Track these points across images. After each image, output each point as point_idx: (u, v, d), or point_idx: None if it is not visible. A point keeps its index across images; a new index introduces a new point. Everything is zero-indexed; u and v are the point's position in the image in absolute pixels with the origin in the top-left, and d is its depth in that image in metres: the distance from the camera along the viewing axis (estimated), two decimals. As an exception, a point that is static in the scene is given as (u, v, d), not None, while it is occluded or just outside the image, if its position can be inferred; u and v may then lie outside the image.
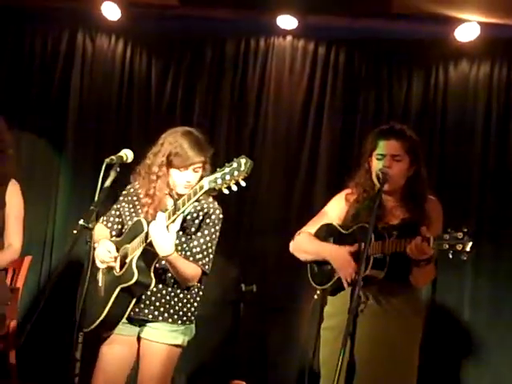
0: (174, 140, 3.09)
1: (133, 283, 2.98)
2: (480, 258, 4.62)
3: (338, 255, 3.08)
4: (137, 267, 2.98)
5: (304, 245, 3.27)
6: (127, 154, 3.05)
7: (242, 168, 2.68)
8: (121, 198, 3.32)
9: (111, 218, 3.32)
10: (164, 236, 2.91)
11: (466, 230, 2.69)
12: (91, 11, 5.08)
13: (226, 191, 2.74)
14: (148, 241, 2.95)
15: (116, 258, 3.10)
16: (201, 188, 2.79)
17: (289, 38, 5.17)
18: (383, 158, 3.13)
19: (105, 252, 3.10)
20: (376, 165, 3.15)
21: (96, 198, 2.85)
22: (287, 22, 4.96)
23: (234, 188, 2.72)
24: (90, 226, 2.74)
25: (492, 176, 4.82)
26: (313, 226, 3.32)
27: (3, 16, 5.25)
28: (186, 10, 5.06)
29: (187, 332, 3.22)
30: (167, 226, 2.91)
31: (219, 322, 4.82)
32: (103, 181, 2.87)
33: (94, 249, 3.10)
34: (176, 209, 2.90)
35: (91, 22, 5.23)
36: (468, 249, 2.66)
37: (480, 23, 4.66)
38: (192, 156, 3.05)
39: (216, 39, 5.25)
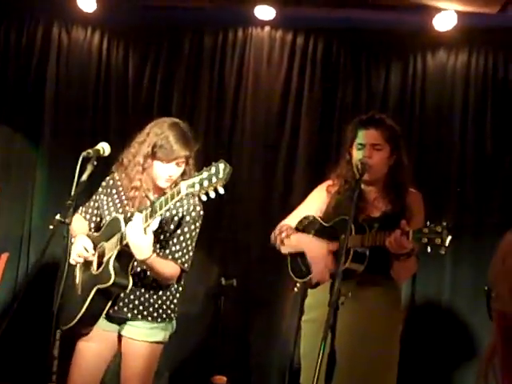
0: (160, 131, 3.03)
1: (110, 285, 2.94)
2: (460, 248, 4.63)
3: (315, 248, 3.09)
4: (114, 268, 2.93)
5: (284, 236, 3.23)
6: (104, 148, 3.02)
7: (221, 175, 2.60)
8: (100, 190, 3.27)
9: (90, 210, 3.27)
10: (141, 239, 2.85)
11: (445, 223, 2.68)
12: (66, 3, 5.01)
13: (203, 197, 2.68)
14: (124, 242, 2.90)
15: (93, 255, 3.06)
16: (178, 193, 2.72)
17: (267, 28, 5.14)
18: (363, 148, 3.13)
19: (81, 248, 3.06)
20: (356, 155, 3.15)
21: (72, 193, 2.81)
22: (265, 12, 4.93)
23: (212, 195, 2.65)
24: (67, 220, 2.71)
25: (471, 164, 4.83)
26: (294, 218, 3.31)
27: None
28: (163, 1, 5.02)
29: (168, 327, 3.19)
30: (144, 229, 2.85)
31: (200, 316, 4.80)
32: (80, 175, 2.84)
33: (72, 243, 3.07)
34: (153, 211, 2.84)
35: (67, 13, 5.16)
36: (447, 243, 2.66)
37: (457, 12, 4.66)
38: (177, 150, 2.99)
39: (194, 30, 5.21)
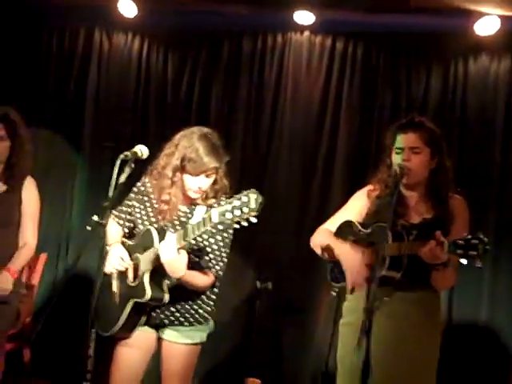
0: (188, 144, 3.02)
1: (146, 300, 2.97)
2: (500, 255, 4.54)
3: (351, 258, 3.03)
4: (149, 284, 2.96)
5: (321, 241, 3.23)
6: (142, 150, 3.03)
7: (253, 205, 2.55)
8: (132, 195, 3.27)
9: (122, 215, 3.27)
10: (174, 260, 2.87)
11: (481, 236, 2.63)
12: (108, 8, 5.07)
13: (236, 226, 2.63)
14: (159, 261, 2.90)
15: (130, 266, 3.07)
16: (210, 219, 2.68)
17: (306, 33, 5.13)
18: (402, 152, 3.09)
19: (118, 259, 3.07)
20: (395, 159, 3.11)
21: (110, 194, 2.83)
22: (304, 17, 4.92)
23: (244, 224, 2.60)
24: (104, 222, 2.73)
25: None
26: (333, 223, 3.29)
27: (21, 14, 5.28)
28: (203, 6, 5.03)
29: (205, 329, 3.22)
30: (178, 250, 2.86)
31: (234, 319, 4.80)
32: (118, 177, 2.86)
33: (107, 250, 3.09)
34: (185, 234, 2.84)
35: (108, 19, 5.23)
36: (483, 256, 2.61)
37: (500, 16, 4.58)
38: (206, 163, 2.99)
39: (233, 35, 5.23)
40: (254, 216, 2.56)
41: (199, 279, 3.06)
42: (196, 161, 2.98)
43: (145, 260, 3.01)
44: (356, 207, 3.28)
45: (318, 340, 4.68)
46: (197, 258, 3.08)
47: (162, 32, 5.31)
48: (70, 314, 4.41)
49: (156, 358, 3.26)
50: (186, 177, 3.04)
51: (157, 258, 2.92)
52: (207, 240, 3.09)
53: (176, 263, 2.87)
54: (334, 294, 3.26)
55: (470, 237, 2.64)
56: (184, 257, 2.88)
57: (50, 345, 4.51)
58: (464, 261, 2.66)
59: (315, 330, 4.74)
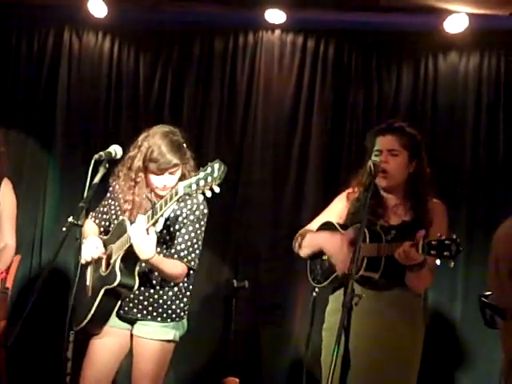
0: (148, 144, 3.09)
1: (116, 285, 2.99)
2: (472, 251, 4.60)
3: (333, 241, 3.10)
4: (120, 269, 2.99)
5: (302, 238, 3.29)
6: (116, 150, 3.04)
7: (216, 174, 2.67)
8: (107, 195, 3.33)
9: (99, 215, 3.34)
10: (144, 239, 2.91)
11: (454, 237, 2.70)
12: (78, 8, 5.03)
13: (200, 197, 2.80)
14: (129, 243, 2.95)
15: (103, 253, 3.12)
16: (176, 193, 2.81)
17: (277, 31, 5.13)
18: (380, 154, 3.14)
19: (92, 248, 3.11)
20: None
21: (85, 195, 2.83)
22: (275, 15, 4.94)
23: (208, 194, 2.72)
24: (80, 223, 2.73)
25: (483, 166, 4.81)
26: (315, 225, 3.35)
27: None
28: (174, 5, 5.04)
29: (178, 327, 3.23)
30: (147, 229, 2.91)
31: (211, 318, 4.80)
32: (92, 177, 2.86)
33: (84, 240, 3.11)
34: (154, 212, 2.92)
35: (78, 19, 5.18)
36: (455, 256, 2.68)
37: (469, 14, 4.65)
38: (166, 161, 3.05)
39: (204, 33, 5.21)
40: (217, 185, 2.68)
41: (169, 265, 3.09)
42: (157, 160, 3.04)
43: (117, 247, 3.06)
44: (336, 209, 3.34)
45: (296, 338, 4.71)
46: (168, 243, 3.13)
47: (132, 31, 5.26)
48: (46, 315, 4.37)
49: (130, 358, 3.26)
50: (151, 176, 3.11)
51: (127, 242, 2.97)
52: (179, 230, 3.14)
53: (145, 243, 2.91)
54: (315, 294, 3.29)
55: (443, 238, 2.71)
56: (153, 237, 2.92)
57: (25, 348, 4.46)
58: (438, 261, 2.73)
59: (293, 329, 4.76)
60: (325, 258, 3.21)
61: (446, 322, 4.75)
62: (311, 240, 3.24)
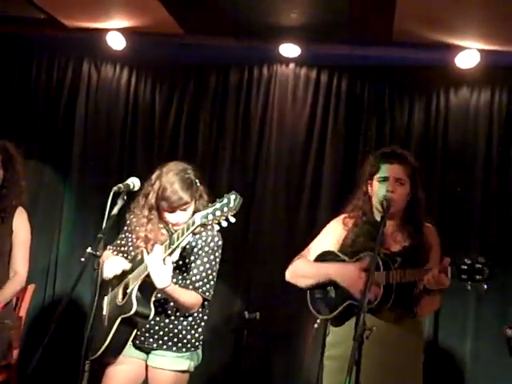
0: (161, 183, 3.15)
1: (132, 314, 3.02)
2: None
3: (348, 272, 3.06)
4: (136, 298, 3.03)
5: (303, 269, 3.26)
6: (134, 182, 3.10)
7: (231, 204, 2.76)
8: (125, 228, 3.39)
9: (117, 247, 3.40)
10: (160, 269, 2.96)
11: (483, 260, 2.72)
12: (97, 40, 5.14)
13: (216, 227, 2.84)
14: (146, 273, 3.00)
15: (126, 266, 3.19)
16: (193, 223, 2.87)
17: (291, 65, 5.22)
18: (386, 181, 3.16)
19: (115, 264, 3.19)
20: (378, 188, 3.18)
21: (103, 226, 2.88)
22: (290, 50, 5.02)
23: (224, 224, 2.80)
24: (98, 253, 2.78)
25: (494, 203, 4.82)
26: (310, 253, 3.31)
27: (11, 45, 5.34)
28: (190, 39, 5.13)
29: (193, 357, 3.25)
30: (163, 259, 2.97)
31: (222, 349, 4.83)
32: (110, 209, 2.91)
33: (101, 274, 3.16)
34: (171, 242, 2.98)
35: (97, 51, 5.31)
36: (488, 278, 2.69)
37: (480, 50, 4.71)
38: (176, 200, 3.11)
39: (219, 67, 5.31)
40: (233, 215, 2.77)
41: (184, 295, 3.13)
42: (168, 198, 3.11)
43: (134, 277, 3.10)
44: (332, 236, 3.31)
45: (306, 369, 4.70)
46: (184, 274, 3.18)
47: (149, 64, 5.38)
48: (62, 344, 4.40)
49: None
50: (164, 213, 3.18)
51: (144, 271, 3.02)
52: (194, 262, 3.19)
53: (161, 272, 2.96)
54: (317, 325, 3.29)
55: (470, 262, 2.73)
56: (169, 266, 2.98)
57: (42, 378, 4.48)
58: (468, 286, 2.74)
59: (303, 359, 4.76)
60: (329, 289, 3.19)
61: (456, 360, 4.74)
62: (318, 271, 3.20)
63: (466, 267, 2.74)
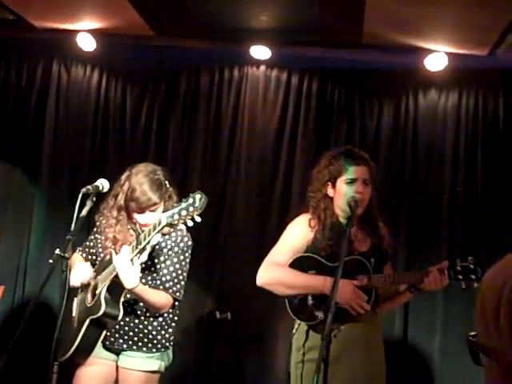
0: (130, 184, 3.17)
1: (101, 315, 3.03)
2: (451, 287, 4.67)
3: (344, 291, 3.00)
4: (105, 299, 3.05)
5: (285, 279, 3.19)
6: (103, 184, 3.11)
7: (197, 204, 2.78)
8: (94, 229, 3.40)
9: (86, 249, 3.40)
10: (128, 269, 2.98)
11: (475, 260, 2.83)
12: (67, 42, 5.11)
13: (183, 227, 2.89)
14: (115, 273, 3.01)
15: (92, 279, 3.18)
16: (159, 223, 2.88)
17: (262, 67, 5.24)
18: (354, 183, 3.18)
19: (82, 272, 3.19)
20: (346, 190, 3.18)
21: (72, 228, 2.88)
22: (260, 52, 5.04)
23: (190, 223, 2.83)
24: (67, 255, 2.78)
25: (461, 202, 4.90)
26: (279, 254, 3.26)
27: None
28: (161, 41, 5.13)
29: (164, 358, 3.26)
30: (131, 260, 2.98)
31: (193, 350, 4.82)
32: (79, 210, 2.91)
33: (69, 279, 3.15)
34: (138, 243, 2.99)
35: (67, 52, 5.28)
36: (481, 278, 2.77)
37: (448, 53, 4.78)
38: (145, 201, 3.13)
39: (190, 69, 5.31)
40: (198, 215, 2.80)
41: (154, 295, 3.15)
42: (137, 199, 3.13)
43: (103, 277, 3.11)
44: (300, 236, 3.27)
45: (278, 370, 4.72)
46: (153, 275, 3.19)
47: (120, 65, 5.36)
48: (30, 346, 4.36)
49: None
50: (134, 214, 3.19)
51: (113, 272, 3.03)
52: (164, 262, 3.21)
53: (129, 272, 2.98)
54: (295, 330, 3.26)
55: (465, 263, 2.90)
56: (137, 267, 3.00)
57: (10, 378, 4.45)
58: (463, 285, 2.91)
59: (275, 361, 4.78)
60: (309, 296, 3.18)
61: (424, 355, 4.80)
62: (308, 283, 3.14)
63: (460, 268, 2.86)
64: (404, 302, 3.38)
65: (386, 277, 3.07)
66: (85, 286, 3.21)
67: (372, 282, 3.03)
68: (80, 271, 3.19)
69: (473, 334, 2.52)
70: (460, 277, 2.89)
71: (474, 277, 2.86)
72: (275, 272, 3.22)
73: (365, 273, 3.10)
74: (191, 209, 2.79)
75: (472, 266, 2.86)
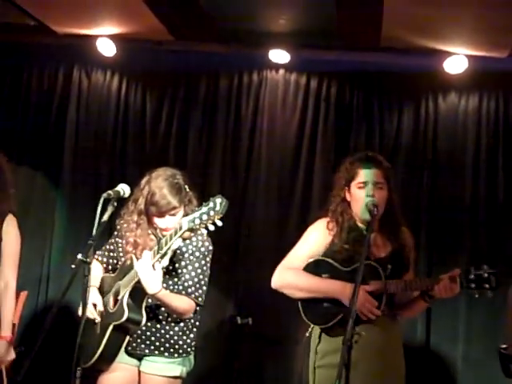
0: (150, 188, 3.18)
1: (124, 320, 3.05)
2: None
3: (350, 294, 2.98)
4: (127, 305, 3.06)
5: (298, 282, 3.22)
6: (124, 189, 3.12)
7: (217, 208, 2.79)
8: (115, 233, 3.41)
9: (106, 253, 3.42)
10: (150, 275, 2.99)
11: (490, 269, 2.80)
12: (87, 47, 5.15)
13: (203, 231, 2.93)
14: (137, 279, 3.02)
15: (99, 314, 3.20)
16: (180, 228, 2.90)
17: (281, 71, 5.24)
18: (366, 186, 3.17)
19: (91, 306, 3.20)
20: (359, 194, 3.18)
21: (94, 233, 2.90)
22: (279, 55, 5.04)
23: (211, 228, 2.83)
24: (88, 260, 2.80)
25: (483, 208, 4.86)
26: (296, 258, 3.29)
27: (1, 52, 5.33)
28: (181, 45, 5.15)
29: (185, 363, 3.27)
30: (153, 265, 2.99)
31: (215, 355, 4.82)
32: (101, 215, 2.92)
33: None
34: (159, 248, 3.00)
35: (87, 57, 5.32)
36: (495, 286, 2.76)
37: (468, 56, 4.75)
38: (165, 205, 3.13)
39: (209, 73, 5.32)
40: (219, 219, 2.81)
41: (176, 300, 3.16)
42: (157, 203, 3.14)
43: (124, 283, 3.13)
44: (317, 240, 3.29)
45: (299, 375, 4.71)
46: (175, 279, 3.20)
47: (140, 70, 5.39)
48: (54, 352, 4.39)
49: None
50: (154, 218, 3.20)
51: (134, 278, 3.04)
52: (185, 267, 3.21)
53: (151, 278, 2.99)
54: (308, 334, 3.29)
55: (478, 271, 2.83)
56: (159, 272, 3.00)
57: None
58: (476, 294, 2.86)
59: (295, 365, 4.77)
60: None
61: (448, 364, 4.77)
62: (318, 288, 3.16)
63: (474, 277, 2.83)
64: (420, 309, 3.31)
65: (398, 283, 3.05)
66: (107, 291, 3.23)
67: (383, 288, 3.00)
68: (90, 303, 3.20)
69: (504, 346, 2.51)
70: (472, 285, 2.84)
71: (487, 286, 2.80)
72: (288, 275, 3.26)
73: (377, 278, 3.08)
74: (212, 213, 2.79)
75: (486, 275, 2.80)
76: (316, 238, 3.31)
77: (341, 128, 5.13)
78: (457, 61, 4.76)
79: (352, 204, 3.24)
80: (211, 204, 2.81)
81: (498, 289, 2.80)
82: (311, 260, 3.25)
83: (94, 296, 3.24)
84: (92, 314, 3.20)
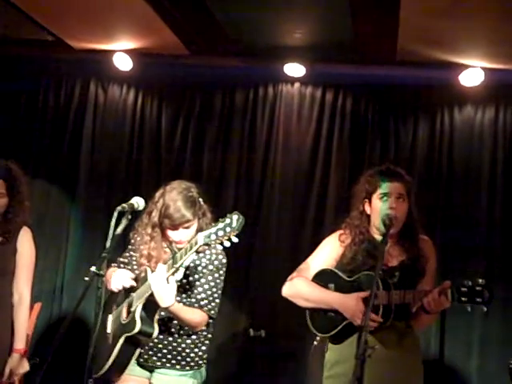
0: (164, 201, 3.18)
1: (136, 332, 3.04)
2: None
3: (350, 305, 3.08)
4: (140, 317, 3.05)
5: (304, 292, 3.28)
6: (138, 202, 3.13)
7: (234, 225, 2.78)
8: (129, 246, 3.42)
9: (121, 265, 3.40)
10: (163, 288, 2.98)
11: (483, 282, 2.74)
12: (103, 62, 5.21)
13: (219, 247, 2.88)
14: (150, 292, 3.02)
15: (133, 279, 3.20)
16: (195, 243, 2.89)
17: (296, 84, 5.26)
18: (388, 198, 3.18)
19: (123, 277, 3.20)
20: (379, 205, 3.19)
21: (107, 245, 2.90)
22: (295, 69, 5.06)
23: (227, 244, 2.82)
24: (102, 272, 2.80)
25: (499, 219, 4.82)
26: (308, 270, 3.33)
27: (19, 66, 5.41)
28: (196, 60, 5.18)
29: (196, 376, 3.26)
30: (167, 278, 2.98)
31: (227, 367, 4.81)
32: (115, 228, 2.93)
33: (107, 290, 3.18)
34: (174, 262, 3.00)
35: (103, 72, 5.38)
36: (488, 300, 2.71)
37: (484, 68, 4.73)
38: (178, 218, 3.13)
39: (225, 87, 5.35)
40: (236, 235, 2.78)
41: (189, 313, 3.15)
42: (171, 216, 3.13)
43: (138, 295, 3.12)
44: (329, 253, 3.33)
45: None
46: (188, 292, 3.20)
47: (156, 84, 5.43)
48: (66, 363, 4.41)
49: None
50: (168, 231, 3.20)
51: (148, 290, 3.04)
52: (199, 280, 3.21)
53: (165, 291, 2.98)
54: (316, 343, 3.29)
55: (470, 284, 2.75)
56: (173, 285, 2.99)
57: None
58: (469, 308, 2.78)
59: (308, 379, 4.75)
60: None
61: (462, 377, 4.73)
62: (321, 298, 3.21)
63: (465, 289, 2.77)
64: (426, 321, 3.26)
65: (394, 294, 3.03)
66: (120, 302, 3.23)
67: (378, 298, 2.97)
68: (120, 275, 3.22)
69: None
70: (464, 299, 2.79)
71: (479, 300, 2.74)
72: (297, 285, 3.31)
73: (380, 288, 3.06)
74: (228, 229, 2.78)
75: (479, 288, 2.75)
76: (328, 250, 3.35)
77: (356, 141, 5.13)
78: (473, 73, 4.76)
79: (372, 216, 3.25)
80: (228, 220, 2.80)
81: (490, 303, 2.75)
82: (319, 270, 3.30)
83: (124, 271, 3.26)
84: (124, 283, 3.19)
